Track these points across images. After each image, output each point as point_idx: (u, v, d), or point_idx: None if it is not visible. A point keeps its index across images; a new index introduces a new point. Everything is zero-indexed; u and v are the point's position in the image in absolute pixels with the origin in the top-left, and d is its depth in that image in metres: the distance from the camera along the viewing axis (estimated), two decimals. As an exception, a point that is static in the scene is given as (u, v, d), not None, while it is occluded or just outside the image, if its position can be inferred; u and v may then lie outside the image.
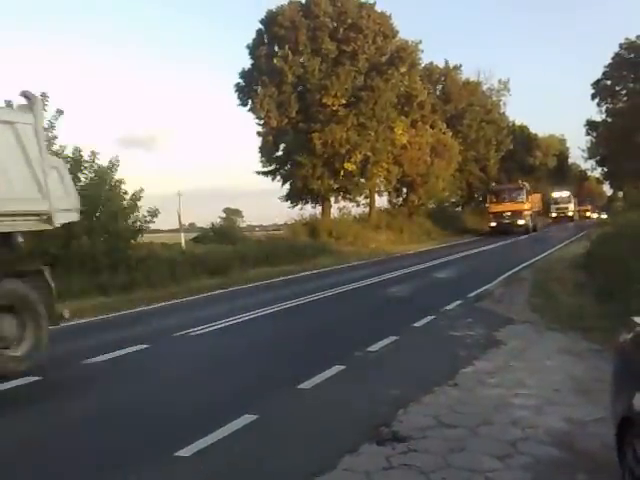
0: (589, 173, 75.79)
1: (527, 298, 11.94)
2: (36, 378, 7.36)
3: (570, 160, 79.60)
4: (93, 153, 17.21)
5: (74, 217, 9.15)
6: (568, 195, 63.72)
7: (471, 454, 4.48)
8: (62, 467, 4.68)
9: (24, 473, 4.63)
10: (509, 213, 40.25)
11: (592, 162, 61.54)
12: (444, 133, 42.47)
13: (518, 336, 8.56)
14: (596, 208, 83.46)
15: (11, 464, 4.81)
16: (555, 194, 63.95)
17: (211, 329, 10.35)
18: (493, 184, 48.41)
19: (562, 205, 63.50)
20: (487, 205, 43.02)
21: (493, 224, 40.52)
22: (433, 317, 10.29)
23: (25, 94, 8.27)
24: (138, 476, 4.38)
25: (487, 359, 7.28)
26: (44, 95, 15.75)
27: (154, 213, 18.07)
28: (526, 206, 41.07)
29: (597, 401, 5.53)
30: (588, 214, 74.69)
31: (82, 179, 16.87)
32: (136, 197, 17.82)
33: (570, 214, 62.61)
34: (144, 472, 4.44)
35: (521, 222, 40.08)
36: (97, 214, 16.57)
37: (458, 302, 11.77)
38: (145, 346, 9.02)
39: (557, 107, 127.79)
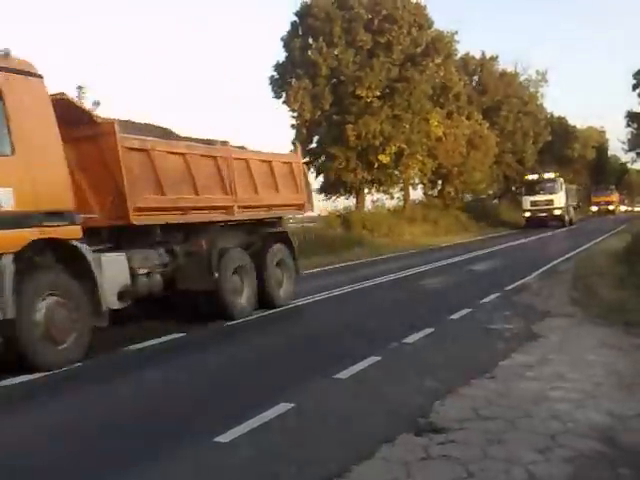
0: (629, 165, 73.34)
1: (566, 291, 11.76)
2: (77, 364, 7.48)
3: (610, 152, 78.01)
4: None
5: None
6: (552, 178, 41.03)
7: (510, 446, 4.41)
8: (99, 449, 4.76)
9: (62, 451, 4.72)
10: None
11: (632, 154, 60.06)
12: (480, 124, 42.01)
13: (557, 329, 8.43)
14: (624, 198, 78.02)
15: (46, 447, 4.90)
16: (531, 177, 42.17)
17: (247, 319, 10.39)
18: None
19: (542, 197, 39.84)
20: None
21: None
22: (470, 310, 10.17)
23: None
24: (177, 460, 4.43)
25: (525, 352, 7.17)
26: (80, 88, 15.92)
27: None
28: (278, 199, 12.05)
29: (640, 396, 5.44)
30: (612, 207, 64.41)
31: None
32: None
33: (558, 212, 39.58)
34: (184, 456, 4.48)
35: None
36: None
37: (495, 295, 11.62)
38: (183, 334, 9.11)
39: (597, 98, 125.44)
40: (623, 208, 75.05)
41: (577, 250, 21.00)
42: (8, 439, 5.10)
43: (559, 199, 39.90)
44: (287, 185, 12.28)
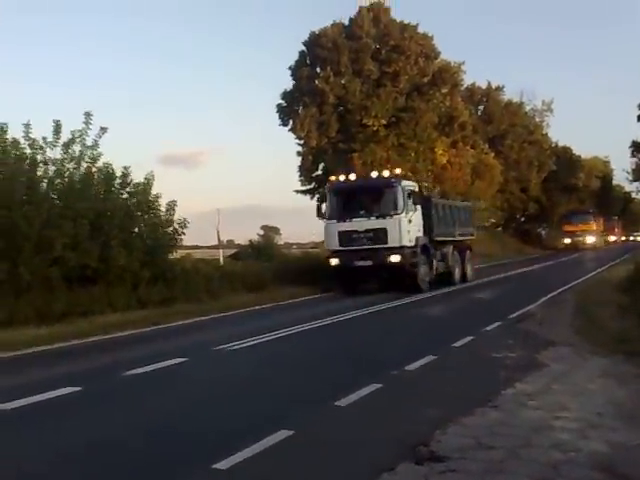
0: (634, 195, 72.89)
1: (569, 320, 11.72)
2: (76, 389, 7.47)
3: (614, 182, 78.04)
4: (125, 169, 16.95)
5: None
6: (387, 180, 19.03)
7: (511, 476, 4.37)
8: (96, 473, 4.73)
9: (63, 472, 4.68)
10: None
11: (637, 184, 59.78)
12: (486, 153, 42.21)
13: (560, 359, 8.38)
14: (615, 226, 67.28)
15: (45, 474, 4.87)
16: (342, 178, 20.12)
17: (249, 344, 10.39)
18: None
19: (362, 224, 18.67)
20: None
21: None
22: (472, 337, 10.13)
23: None
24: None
25: (528, 381, 7.13)
26: (88, 114, 16.10)
27: (183, 224, 17.79)
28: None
29: (642, 426, 5.40)
30: (592, 239, 51.28)
31: (123, 195, 17.03)
32: (171, 208, 17.58)
33: (396, 260, 18.14)
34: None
35: None
36: (135, 229, 16.73)
37: (498, 323, 11.58)
38: (183, 359, 9.10)
39: (602, 128, 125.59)
40: (612, 238, 65.94)
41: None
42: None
43: (397, 227, 18.30)
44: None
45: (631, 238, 79.58)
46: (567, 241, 51.09)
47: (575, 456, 4.69)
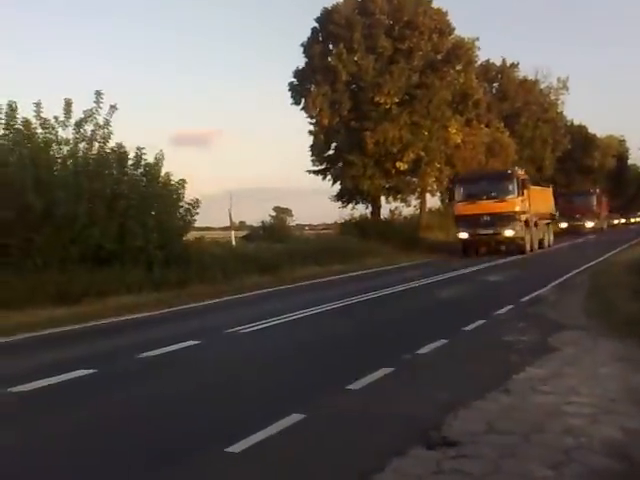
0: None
1: (582, 303, 11.66)
2: (91, 371, 7.55)
3: (630, 161, 77.10)
4: (139, 149, 17.00)
5: None
6: None
7: (523, 461, 4.37)
8: (109, 462, 4.76)
9: (79, 464, 4.75)
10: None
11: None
12: (501, 132, 41.79)
13: (572, 342, 8.35)
14: (595, 204, 48.79)
15: (62, 456, 4.93)
16: None
17: (261, 327, 10.44)
18: None
19: None
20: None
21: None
22: (484, 321, 10.10)
23: None
24: (188, 470, 4.45)
25: (540, 365, 7.10)
26: (98, 93, 16.01)
27: (196, 204, 17.80)
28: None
29: (655, 412, 5.38)
30: (510, 233, 25.92)
31: (137, 175, 17.02)
32: (179, 188, 17.51)
33: None
34: (194, 466, 4.50)
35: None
36: (152, 211, 16.76)
37: (510, 306, 11.54)
38: (196, 342, 9.16)
39: (617, 107, 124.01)
40: (589, 224, 47.91)
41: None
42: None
43: None
44: None
45: (632, 220, 74.29)
46: (463, 236, 27.92)
47: (588, 442, 4.68)
